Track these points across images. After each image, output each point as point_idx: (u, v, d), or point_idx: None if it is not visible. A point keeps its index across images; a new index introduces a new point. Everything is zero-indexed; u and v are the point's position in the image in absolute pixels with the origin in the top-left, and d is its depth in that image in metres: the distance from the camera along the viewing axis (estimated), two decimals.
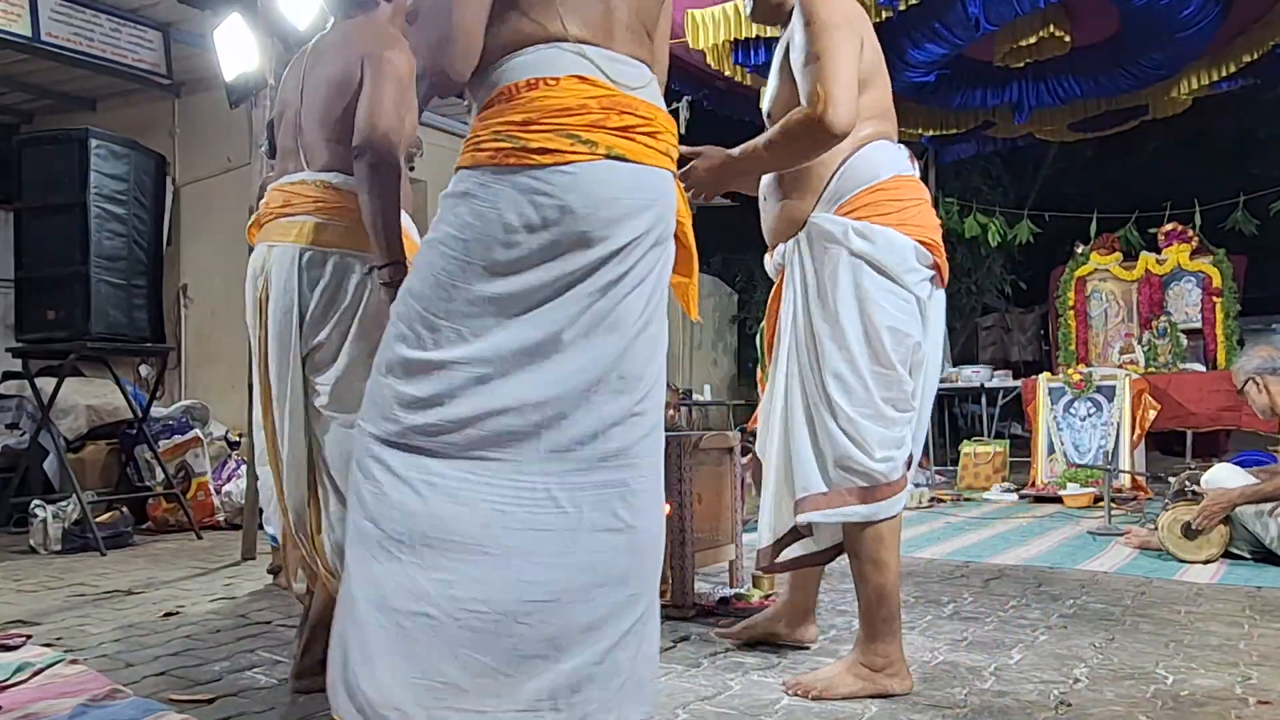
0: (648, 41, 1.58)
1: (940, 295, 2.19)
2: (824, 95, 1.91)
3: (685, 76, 6.67)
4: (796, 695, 2.03)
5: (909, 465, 2.12)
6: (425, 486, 1.40)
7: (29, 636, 2.60)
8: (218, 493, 5.36)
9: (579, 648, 1.41)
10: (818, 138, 1.95)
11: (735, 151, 2.13)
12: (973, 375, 7.95)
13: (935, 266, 2.12)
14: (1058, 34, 5.48)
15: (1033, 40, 5.54)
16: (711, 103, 7.06)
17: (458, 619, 1.38)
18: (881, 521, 2.04)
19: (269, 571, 3.57)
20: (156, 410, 5.45)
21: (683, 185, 1.84)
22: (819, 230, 2.09)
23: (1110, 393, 6.09)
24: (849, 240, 2.04)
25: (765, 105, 2.28)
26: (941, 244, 2.15)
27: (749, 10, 2.32)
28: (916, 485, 5.94)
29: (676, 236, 1.59)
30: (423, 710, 1.36)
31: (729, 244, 13.16)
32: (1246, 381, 3.82)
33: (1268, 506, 3.51)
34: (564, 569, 1.42)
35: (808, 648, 2.42)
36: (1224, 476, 3.72)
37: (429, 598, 1.38)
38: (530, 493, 1.42)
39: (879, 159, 2.10)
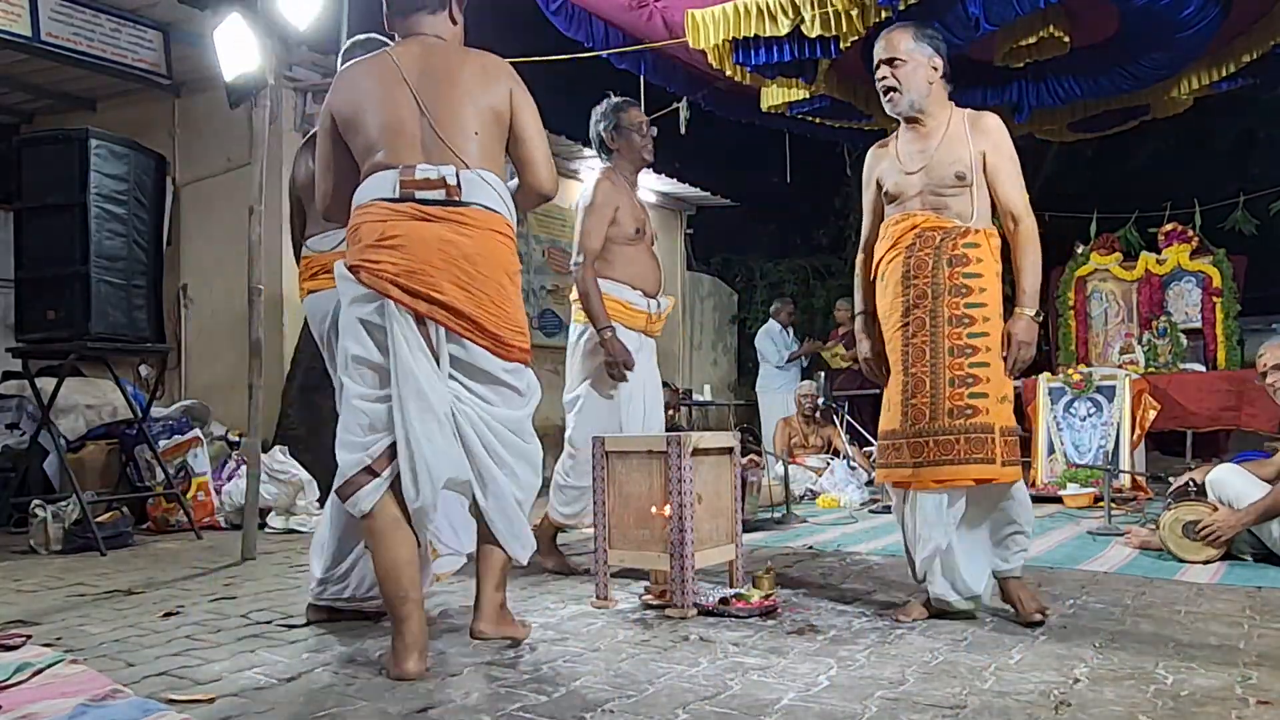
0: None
1: (401, 313, 2.25)
2: None
3: (685, 76, 6.66)
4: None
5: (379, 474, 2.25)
6: None
7: (29, 636, 2.60)
8: (218, 493, 5.36)
9: None
10: None
11: None
12: None
13: (370, 284, 2.24)
14: (1057, 34, 5.47)
15: (1033, 40, 5.53)
16: (711, 103, 7.04)
17: None
18: (364, 515, 2.28)
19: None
20: (156, 410, 5.46)
21: None
22: None
23: (1110, 393, 6.09)
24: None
25: None
26: (371, 259, 2.23)
27: None
28: None
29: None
30: None
31: (729, 244, 13.16)
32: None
33: None
34: None
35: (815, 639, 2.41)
36: (1225, 477, 3.71)
37: None
38: None
39: (356, 200, 2.34)
